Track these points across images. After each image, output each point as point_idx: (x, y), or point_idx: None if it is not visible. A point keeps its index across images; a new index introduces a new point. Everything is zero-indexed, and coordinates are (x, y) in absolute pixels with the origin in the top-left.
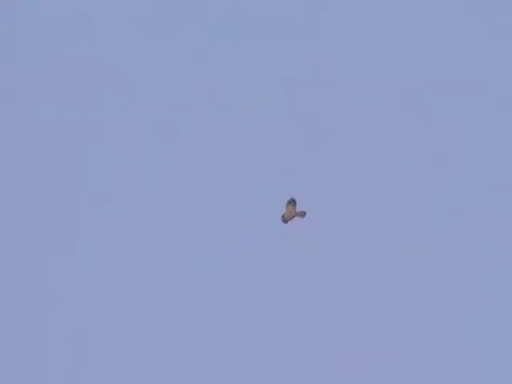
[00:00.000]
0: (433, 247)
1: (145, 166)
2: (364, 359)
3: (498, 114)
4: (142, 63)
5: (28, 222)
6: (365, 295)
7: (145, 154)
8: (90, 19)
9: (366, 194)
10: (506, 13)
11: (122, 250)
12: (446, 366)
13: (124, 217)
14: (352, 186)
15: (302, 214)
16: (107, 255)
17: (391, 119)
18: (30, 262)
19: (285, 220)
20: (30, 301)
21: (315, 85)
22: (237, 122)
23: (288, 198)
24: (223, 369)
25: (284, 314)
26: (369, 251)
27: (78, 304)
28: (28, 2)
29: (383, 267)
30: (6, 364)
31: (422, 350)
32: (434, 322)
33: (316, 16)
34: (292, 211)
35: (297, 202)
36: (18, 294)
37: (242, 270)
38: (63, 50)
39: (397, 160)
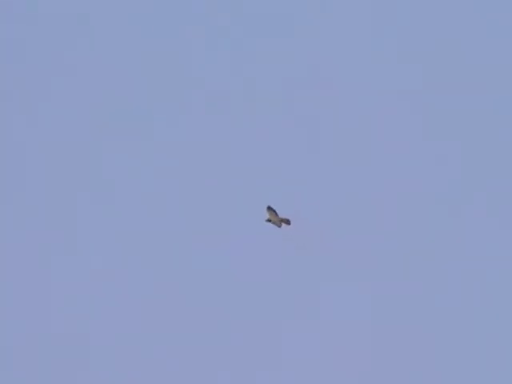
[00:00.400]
0: (433, 247)
1: (144, 165)
2: (363, 358)
3: (498, 115)
4: (141, 63)
5: (28, 222)
6: (364, 295)
7: (145, 154)
8: (90, 19)
9: (366, 193)
10: (506, 13)
11: (121, 250)
12: (445, 365)
13: (124, 216)
14: (351, 185)
15: (287, 222)
16: (107, 255)
17: (391, 119)
18: (30, 262)
19: (276, 223)
20: (29, 300)
21: (315, 85)
22: (236, 122)
23: (267, 206)
24: (222, 368)
25: (283, 312)
26: (369, 251)
27: (78, 303)
28: (28, 2)
29: (383, 266)
30: (6, 364)
31: (421, 349)
32: (433, 321)
33: (316, 16)
34: (274, 216)
35: (276, 210)
36: (18, 293)
37: (241, 269)
38: (63, 50)
39: (397, 160)
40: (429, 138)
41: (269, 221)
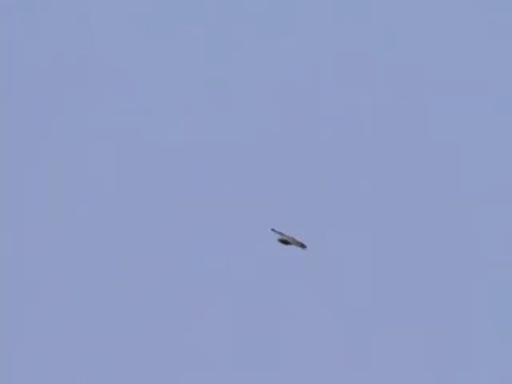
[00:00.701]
0: (434, 249)
1: (143, 165)
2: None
3: (498, 114)
4: (140, 62)
5: (27, 222)
6: (365, 298)
7: (142, 154)
8: (90, 18)
9: (366, 195)
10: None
11: (120, 250)
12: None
13: (119, 215)
14: (350, 189)
15: (303, 245)
16: (105, 254)
17: (391, 118)
18: (27, 262)
19: (295, 243)
20: (30, 301)
21: (314, 84)
22: (236, 121)
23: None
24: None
25: (283, 314)
26: (368, 253)
27: (75, 305)
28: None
29: (384, 268)
30: (7, 363)
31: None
32: (435, 324)
33: (315, 15)
34: (289, 237)
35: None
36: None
37: (238, 268)
38: (62, 50)
39: (397, 160)
40: (429, 137)
41: (284, 242)
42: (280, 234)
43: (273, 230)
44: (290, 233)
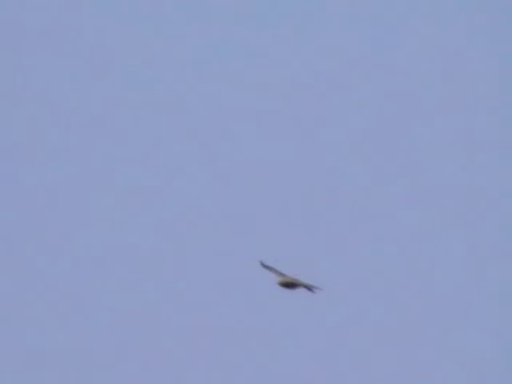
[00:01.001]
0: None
1: (142, 167)
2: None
3: (498, 115)
4: (144, 64)
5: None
6: (366, 302)
7: (142, 154)
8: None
9: (366, 195)
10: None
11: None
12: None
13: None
14: (351, 191)
15: (310, 288)
16: (102, 255)
17: (391, 119)
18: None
19: (305, 286)
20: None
21: (313, 86)
22: (235, 122)
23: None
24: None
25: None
26: (369, 264)
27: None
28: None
29: (384, 270)
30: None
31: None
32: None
33: (317, 14)
34: (292, 279)
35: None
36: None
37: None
38: (62, 50)
39: (397, 159)
40: (429, 138)
41: (287, 285)
42: (279, 274)
43: (263, 265)
44: (279, 266)
